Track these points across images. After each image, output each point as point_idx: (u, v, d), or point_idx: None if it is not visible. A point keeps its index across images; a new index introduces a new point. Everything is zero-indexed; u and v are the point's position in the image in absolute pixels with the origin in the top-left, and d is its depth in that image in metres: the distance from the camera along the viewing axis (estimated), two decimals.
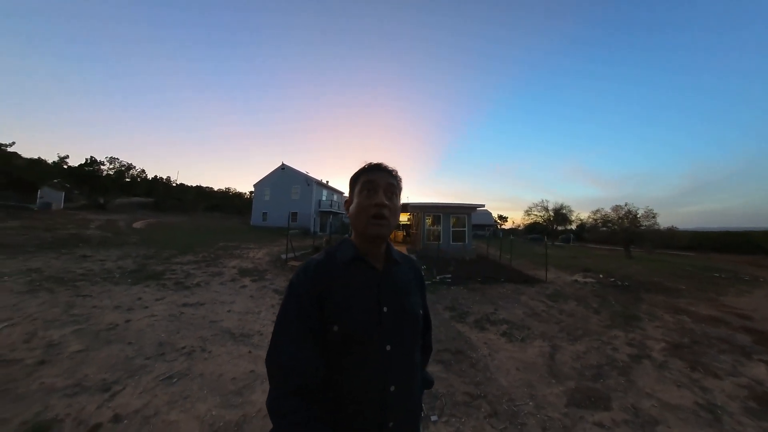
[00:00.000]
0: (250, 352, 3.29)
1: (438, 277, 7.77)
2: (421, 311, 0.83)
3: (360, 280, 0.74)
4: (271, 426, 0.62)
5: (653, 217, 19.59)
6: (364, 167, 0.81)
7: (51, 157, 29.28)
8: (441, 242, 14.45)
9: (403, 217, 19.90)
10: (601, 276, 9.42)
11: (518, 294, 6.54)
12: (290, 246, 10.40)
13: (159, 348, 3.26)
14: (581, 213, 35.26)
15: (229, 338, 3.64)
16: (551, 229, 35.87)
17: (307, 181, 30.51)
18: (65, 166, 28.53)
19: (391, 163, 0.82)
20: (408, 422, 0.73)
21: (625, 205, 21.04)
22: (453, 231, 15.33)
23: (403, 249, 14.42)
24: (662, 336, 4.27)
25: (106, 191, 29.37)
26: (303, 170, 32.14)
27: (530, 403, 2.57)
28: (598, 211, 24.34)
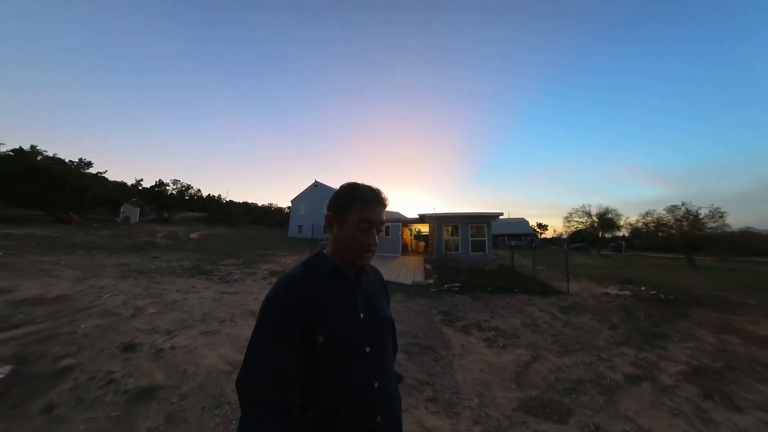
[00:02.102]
0: None
1: (445, 286, 7.75)
2: (389, 315, 0.89)
3: (338, 291, 0.76)
4: None
5: (720, 217, 16.02)
6: (361, 195, 0.79)
7: (130, 180, 35.28)
8: (459, 252, 14.56)
9: (423, 228, 20.30)
10: (642, 288, 8.52)
11: (527, 305, 6.21)
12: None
13: (203, 316, 4.53)
14: (631, 217, 29.90)
15: (250, 315, 4.81)
16: (597, 236, 31.94)
17: None
18: (140, 188, 34.19)
19: (385, 189, 0.83)
20: (393, 414, 0.78)
21: (682, 204, 17.61)
22: (472, 241, 15.06)
23: (420, 259, 14.92)
24: (687, 358, 3.74)
25: (170, 207, 34.44)
26: (334, 186, 34.48)
27: (475, 400, 2.64)
28: (648, 213, 20.35)
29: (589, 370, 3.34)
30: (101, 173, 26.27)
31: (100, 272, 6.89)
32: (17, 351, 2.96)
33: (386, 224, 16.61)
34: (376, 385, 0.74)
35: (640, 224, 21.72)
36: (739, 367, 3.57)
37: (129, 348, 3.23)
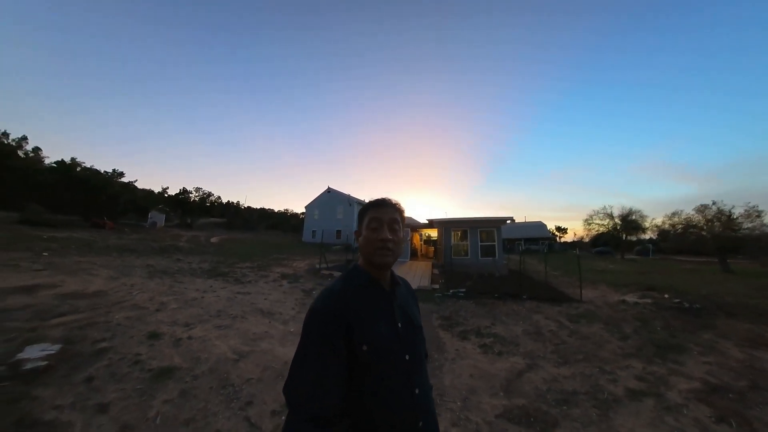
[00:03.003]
0: (269, 322, 4.80)
1: (450, 291, 7.70)
2: (421, 322, 0.92)
3: (376, 301, 0.81)
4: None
5: (758, 216, 14.37)
6: (369, 203, 0.88)
7: (157, 188, 37.59)
8: (469, 257, 14.49)
9: (433, 233, 20.40)
10: (666, 296, 7.98)
11: (534, 312, 6.02)
12: (324, 259, 12.23)
13: (218, 312, 5.00)
14: (657, 218, 27.57)
15: (260, 313, 5.24)
16: (621, 239, 29.58)
17: (349, 202, 33.33)
18: (166, 195, 36.35)
19: (396, 196, 0.90)
20: (432, 419, 0.81)
21: (713, 203, 16.07)
22: (482, 246, 14.78)
23: (429, 264, 15.06)
24: (703, 374, 3.40)
25: (193, 213, 36.32)
26: (346, 192, 35.22)
27: (458, 403, 2.65)
28: (675, 214, 18.57)
29: (587, 382, 3.17)
30: (132, 182, 28.31)
31: (130, 272, 7.62)
32: (64, 334, 3.52)
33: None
34: (417, 391, 0.76)
35: (666, 226, 20.23)
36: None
37: (153, 336, 3.72)
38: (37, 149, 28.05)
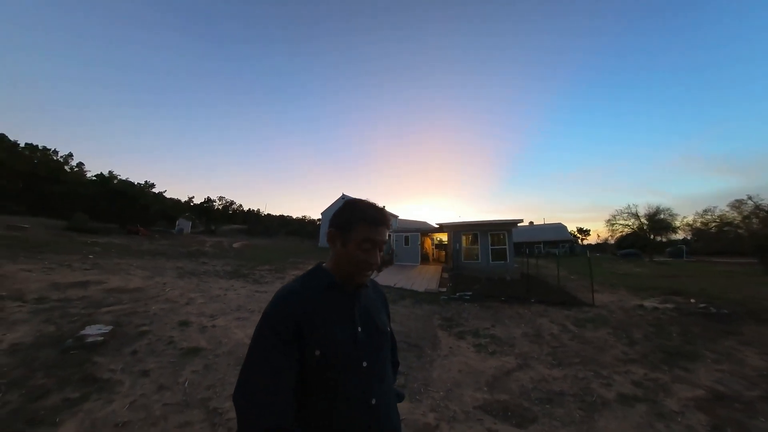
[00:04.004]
0: None
1: (457, 294, 7.76)
2: (389, 329, 0.88)
3: (335, 304, 0.76)
4: None
5: None
6: (366, 215, 0.79)
7: (183, 197, 40.08)
8: (480, 261, 14.45)
9: (445, 237, 20.49)
10: (691, 300, 7.49)
11: (540, 316, 5.92)
12: None
13: (238, 307, 5.59)
14: (689, 216, 25.33)
15: None
16: (649, 240, 27.24)
17: None
18: (191, 204, 38.70)
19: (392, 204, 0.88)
20: (390, 430, 0.76)
21: (749, 198, 14.89)
22: (492, 249, 14.36)
23: (439, 268, 15.22)
24: (711, 382, 3.23)
25: (216, 221, 38.37)
26: (360, 198, 35.93)
27: (441, 393, 2.80)
28: (708, 211, 17.41)
29: (577, 384, 3.13)
30: (161, 192, 30.45)
31: (162, 272, 8.48)
32: (113, 319, 4.21)
33: (405, 234, 17.21)
34: (373, 402, 0.72)
35: (698, 224, 18.79)
36: None
37: (183, 324, 4.33)
38: (80, 164, 30.94)
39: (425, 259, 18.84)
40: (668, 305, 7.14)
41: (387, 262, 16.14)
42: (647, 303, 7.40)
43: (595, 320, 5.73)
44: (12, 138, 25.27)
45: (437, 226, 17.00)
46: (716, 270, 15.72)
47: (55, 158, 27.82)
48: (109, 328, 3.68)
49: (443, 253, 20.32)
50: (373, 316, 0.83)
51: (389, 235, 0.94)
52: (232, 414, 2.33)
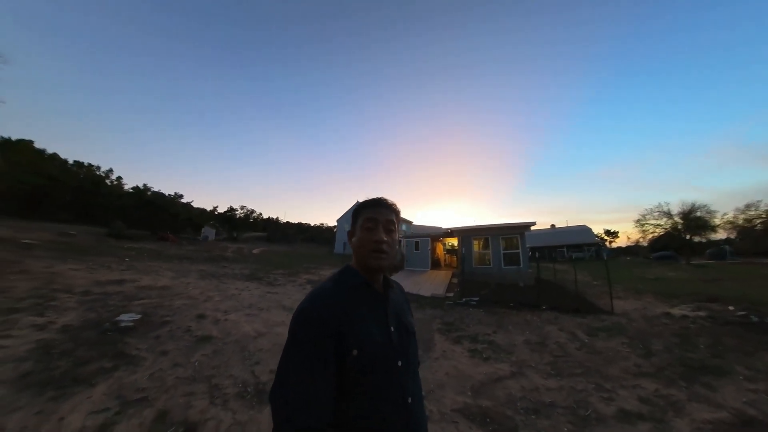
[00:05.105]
0: (287, 314, 5.79)
1: (463, 299, 7.65)
2: (415, 329, 0.89)
3: (368, 304, 0.77)
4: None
5: None
6: (365, 202, 0.85)
7: (208, 207, 42.56)
8: (492, 266, 14.20)
9: (456, 242, 20.38)
10: (730, 308, 6.74)
11: (549, 323, 5.68)
12: None
13: (249, 305, 6.14)
14: (729, 213, 23.08)
15: (282, 308, 6.27)
16: (686, 241, 24.70)
17: None
18: (215, 213, 41.01)
19: (392, 198, 0.87)
20: (425, 429, 0.78)
21: None
22: (505, 254, 13.49)
23: (450, 273, 15.22)
24: (739, 404, 2.81)
25: (238, 228, 40.31)
26: None
27: (422, 393, 3.60)
28: (751, 206, 16.07)
29: (573, 396, 2.92)
30: (189, 202, 32.69)
31: (187, 274, 9.32)
32: (142, 310, 4.86)
33: (415, 239, 17.40)
34: (409, 400, 0.73)
35: (741, 221, 17.01)
36: None
37: (200, 317, 4.90)
38: (119, 178, 33.94)
39: (437, 264, 18.86)
40: (700, 313, 6.46)
41: (397, 267, 16.37)
42: (675, 311, 6.78)
43: (610, 329, 5.34)
44: (63, 156, 28.31)
45: (447, 230, 17.06)
46: (765, 273, 14.17)
47: (97, 173, 30.78)
48: (139, 316, 4.31)
49: (455, 258, 20.09)
50: (402, 316, 0.84)
51: (397, 230, 0.88)
52: (230, 389, 2.78)
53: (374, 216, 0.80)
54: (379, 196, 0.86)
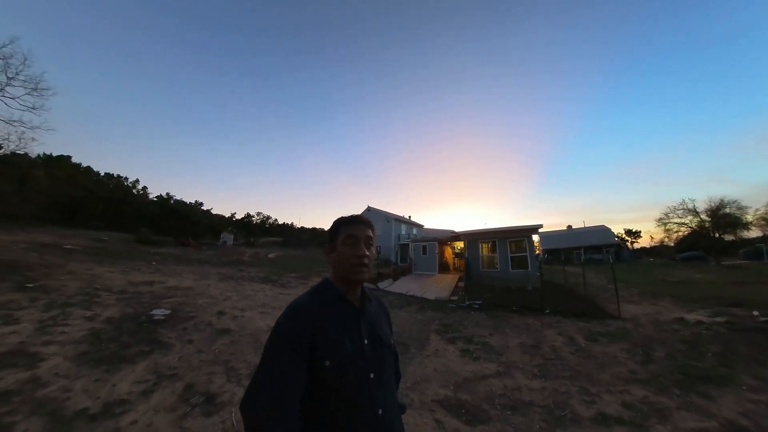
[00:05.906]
0: None
1: (466, 303, 7.75)
2: (392, 342, 0.91)
3: (343, 317, 0.80)
4: None
5: None
6: (344, 219, 0.89)
7: (227, 213, 44.40)
8: (499, 269, 14.22)
9: (462, 245, 20.50)
10: (755, 314, 6.41)
11: (549, 327, 5.59)
12: None
13: (263, 304, 6.72)
14: (761, 209, 21.56)
15: None
16: (715, 240, 22.69)
17: (387, 219, 35.01)
18: (233, 219, 42.75)
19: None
20: None
21: None
22: (512, 257, 13.40)
23: (456, 277, 15.40)
24: (734, 414, 2.69)
25: (255, 234, 41.80)
26: (385, 210, 37.09)
27: (407, 384, 3.12)
28: None
29: (553, 397, 2.94)
30: (209, 209, 34.38)
31: (207, 276, 10.09)
32: (171, 306, 5.52)
33: (423, 243, 17.70)
34: (380, 412, 0.75)
35: None
36: None
37: (220, 313, 5.50)
38: (145, 188, 36.08)
39: (445, 268, 19.03)
40: (718, 318, 6.13)
41: (405, 271, 16.74)
42: (691, 316, 6.46)
43: (613, 334, 5.20)
44: (96, 169, 30.56)
45: (454, 234, 17.27)
46: None
47: (125, 183, 32.94)
48: (169, 311, 4.96)
49: (463, 262, 20.17)
50: (378, 329, 0.87)
51: (373, 238, 0.90)
52: (243, 371, 3.28)
53: (354, 233, 0.84)
54: (357, 214, 0.90)
